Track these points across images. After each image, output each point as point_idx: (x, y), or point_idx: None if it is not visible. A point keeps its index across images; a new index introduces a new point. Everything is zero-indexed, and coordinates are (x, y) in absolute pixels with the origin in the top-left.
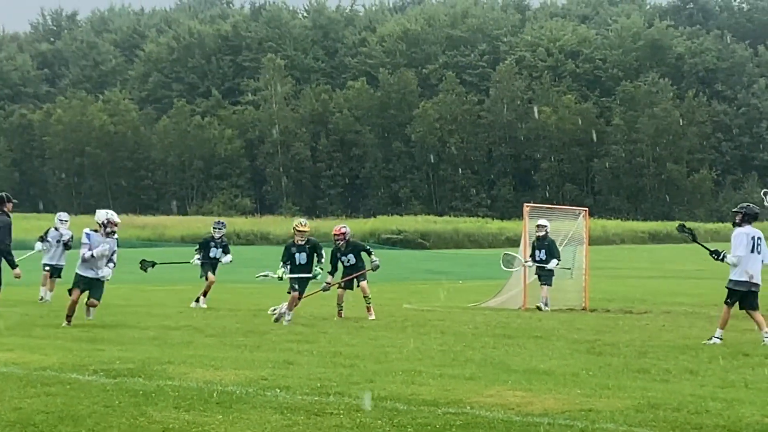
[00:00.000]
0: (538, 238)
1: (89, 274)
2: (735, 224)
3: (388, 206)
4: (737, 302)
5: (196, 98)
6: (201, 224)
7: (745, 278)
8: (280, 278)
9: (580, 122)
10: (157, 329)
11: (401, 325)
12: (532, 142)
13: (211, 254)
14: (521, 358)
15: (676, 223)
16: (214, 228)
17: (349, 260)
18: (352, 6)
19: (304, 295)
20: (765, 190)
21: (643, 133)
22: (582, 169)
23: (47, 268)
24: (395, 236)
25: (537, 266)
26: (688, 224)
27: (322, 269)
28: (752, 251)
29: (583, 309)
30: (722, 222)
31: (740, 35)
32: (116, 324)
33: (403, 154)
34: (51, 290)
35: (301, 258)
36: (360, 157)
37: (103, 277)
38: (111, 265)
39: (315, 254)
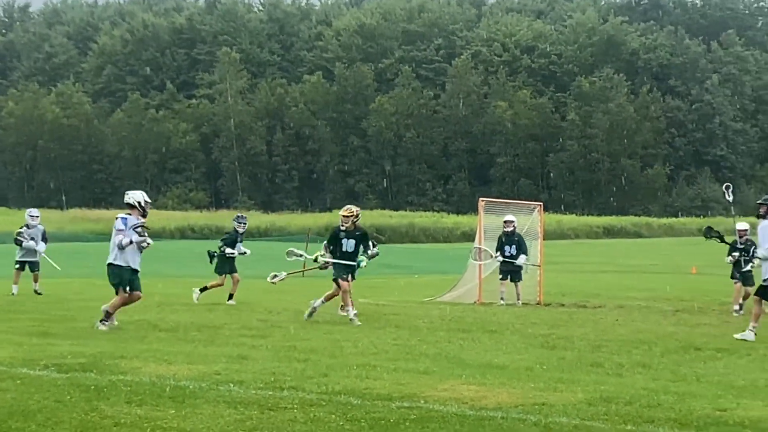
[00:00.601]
0: (506, 233)
1: (133, 264)
2: (759, 216)
3: (344, 200)
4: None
5: (151, 91)
6: (155, 218)
7: None
8: (315, 260)
9: (535, 117)
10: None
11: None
12: (487, 137)
13: (238, 251)
14: (476, 352)
15: (631, 218)
16: (239, 222)
17: (348, 245)
18: (307, 0)
19: (294, 272)
20: (727, 184)
21: (598, 128)
22: (537, 164)
23: (18, 265)
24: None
25: (506, 262)
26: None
27: (368, 258)
28: None
29: (537, 303)
30: (675, 217)
31: (694, 31)
32: (68, 318)
33: (359, 148)
34: (16, 283)
35: (348, 245)
36: (316, 152)
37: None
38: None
39: (363, 243)
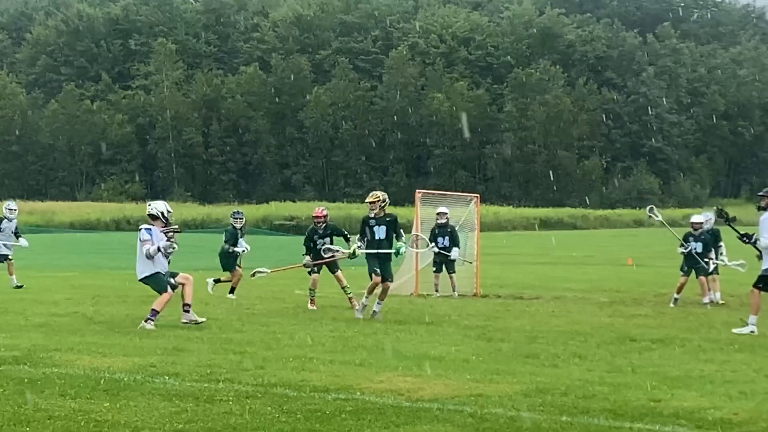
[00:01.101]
0: (439, 225)
1: (163, 270)
2: (760, 208)
3: (281, 192)
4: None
5: (86, 82)
6: (90, 210)
7: None
8: (353, 255)
9: (472, 109)
10: (44, 316)
11: (293, 312)
12: (425, 128)
13: (239, 247)
14: (412, 344)
15: (567, 210)
16: (235, 218)
17: (324, 243)
18: None
19: (278, 269)
20: (650, 207)
21: (535, 120)
22: (474, 155)
23: None
24: (288, 222)
25: (439, 253)
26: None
27: (404, 244)
28: None
29: (474, 295)
30: (612, 209)
31: (630, 23)
32: (1, 311)
33: (296, 140)
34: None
35: (380, 232)
36: (252, 143)
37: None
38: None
39: (395, 229)
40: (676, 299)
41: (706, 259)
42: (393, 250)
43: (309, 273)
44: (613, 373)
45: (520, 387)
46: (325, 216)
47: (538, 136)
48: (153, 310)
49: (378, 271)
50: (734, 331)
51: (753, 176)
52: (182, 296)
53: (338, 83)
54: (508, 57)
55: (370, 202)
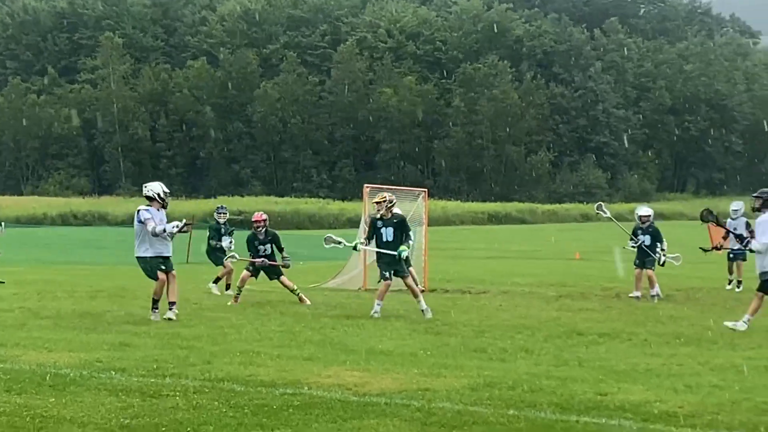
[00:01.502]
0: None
1: (165, 251)
2: (755, 209)
3: (229, 187)
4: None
5: (32, 76)
6: (36, 204)
7: None
8: (355, 248)
9: (420, 104)
10: None
11: (240, 306)
12: (373, 123)
13: (223, 242)
14: (360, 338)
15: (515, 204)
16: (219, 213)
17: (266, 249)
18: None
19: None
20: (598, 204)
21: (483, 114)
22: (422, 150)
23: None
24: (236, 217)
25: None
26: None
27: (406, 248)
28: None
29: (422, 290)
30: (559, 203)
31: (577, 18)
32: None
33: (244, 134)
34: None
35: (387, 234)
36: (200, 138)
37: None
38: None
39: (403, 230)
40: (637, 297)
41: (658, 252)
42: (395, 252)
43: (247, 269)
44: (560, 367)
45: (468, 381)
46: (264, 221)
47: (486, 130)
48: (153, 299)
49: (387, 275)
50: (726, 324)
51: (699, 171)
52: (167, 294)
53: (286, 78)
54: (456, 52)
55: (377, 203)
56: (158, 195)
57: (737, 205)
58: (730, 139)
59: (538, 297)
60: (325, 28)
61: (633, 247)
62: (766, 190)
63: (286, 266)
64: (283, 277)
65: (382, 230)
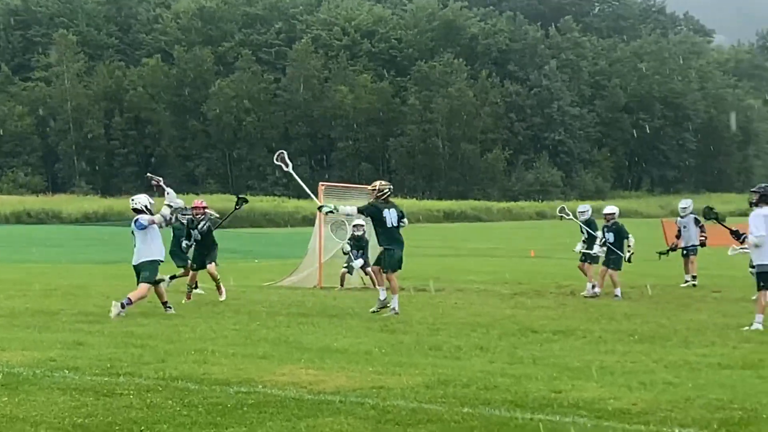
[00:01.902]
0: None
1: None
2: (752, 204)
3: (184, 184)
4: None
5: None
6: None
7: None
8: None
9: (376, 102)
10: None
11: (195, 305)
12: (328, 121)
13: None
14: (315, 336)
15: (471, 202)
16: (183, 214)
17: (201, 234)
18: None
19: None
20: (562, 206)
21: (438, 113)
22: (378, 148)
23: None
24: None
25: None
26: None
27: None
28: None
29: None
30: (515, 201)
31: (532, 17)
32: None
33: (199, 132)
34: None
35: (392, 217)
36: (155, 135)
37: None
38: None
39: (401, 215)
40: (616, 295)
41: (629, 251)
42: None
43: (190, 267)
44: (515, 365)
45: (422, 379)
46: (204, 208)
47: (442, 128)
48: (128, 299)
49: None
50: (743, 329)
51: (653, 168)
52: (158, 295)
53: (241, 75)
54: (412, 50)
55: (377, 190)
56: (145, 207)
57: (686, 203)
58: (684, 137)
59: (493, 295)
60: (281, 26)
61: (602, 245)
62: (764, 185)
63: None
64: (211, 266)
65: (385, 213)
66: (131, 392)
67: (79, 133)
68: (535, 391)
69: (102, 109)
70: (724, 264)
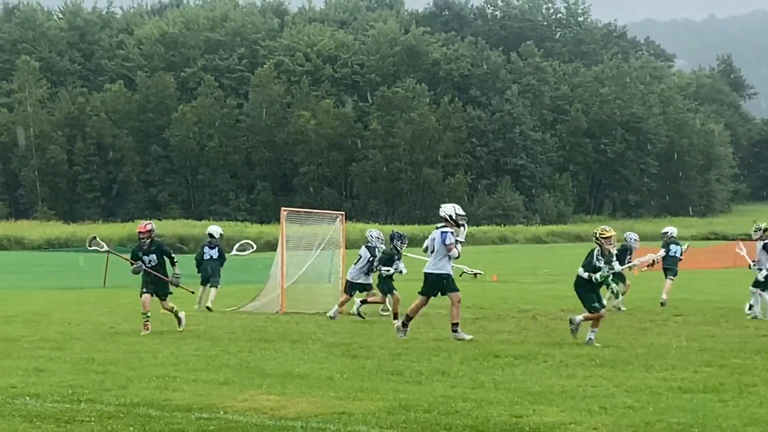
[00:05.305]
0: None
1: None
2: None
3: (147, 210)
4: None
5: None
6: None
7: None
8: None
9: (338, 127)
10: None
11: (157, 330)
12: (291, 146)
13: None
14: (277, 362)
15: (433, 227)
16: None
17: (150, 260)
18: (108, 8)
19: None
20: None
21: (400, 137)
22: (341, 173)
23: None
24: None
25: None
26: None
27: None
28: None
29: (340, 312)
30: (477, 225)
31: (494, 42)
32: None
33: (161, 158)
34: None
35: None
36: (118, 161)
37: None
38: None
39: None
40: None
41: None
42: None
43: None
44: (476, 389)
45: (384, 404)
46: (149, 231)
47: (404, 153)
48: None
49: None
50: None
51: (615, 192)
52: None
53: (204, 101)
54: (374, 75)
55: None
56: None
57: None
58: (646, 162)
59: None
60: (243, 52)
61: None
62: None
63: (174, 284)
64: (165, 302)
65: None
66: (92, 419)
67: (42, 159)
68: (496, 415)
69: (65, 135)
70: (686, 288)
